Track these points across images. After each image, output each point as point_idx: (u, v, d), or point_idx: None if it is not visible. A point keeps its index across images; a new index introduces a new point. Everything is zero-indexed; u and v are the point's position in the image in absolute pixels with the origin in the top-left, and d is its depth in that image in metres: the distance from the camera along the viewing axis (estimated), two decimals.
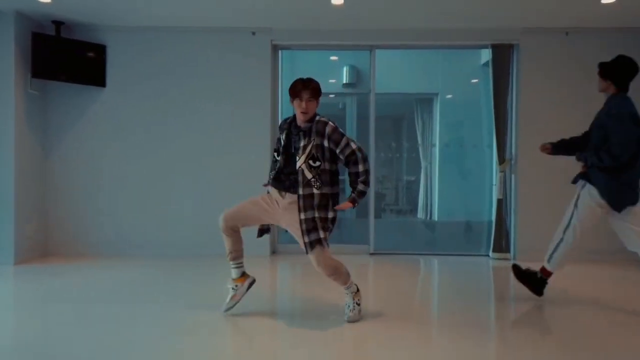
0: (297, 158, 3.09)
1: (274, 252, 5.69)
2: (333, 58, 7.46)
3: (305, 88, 3.09)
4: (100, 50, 5.40)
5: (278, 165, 3.21)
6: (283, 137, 3.22)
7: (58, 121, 5.48)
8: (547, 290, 3.87)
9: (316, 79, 7.75)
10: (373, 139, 5.79)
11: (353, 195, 3.11)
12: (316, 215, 3.08)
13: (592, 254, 5.36)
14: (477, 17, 5.09)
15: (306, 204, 3.07)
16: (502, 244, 5.49)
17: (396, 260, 5.38)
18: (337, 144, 3.07)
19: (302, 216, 3.07)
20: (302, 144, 3.10)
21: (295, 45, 5.68)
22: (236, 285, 3.35)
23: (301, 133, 3.12)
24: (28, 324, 3.27)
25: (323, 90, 9.22)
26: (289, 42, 5.57)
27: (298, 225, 3.10)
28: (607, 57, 5.28)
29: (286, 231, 3.33)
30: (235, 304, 3.34)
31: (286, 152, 3.19)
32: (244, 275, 3.38)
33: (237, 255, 3.32)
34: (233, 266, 3.34)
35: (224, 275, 3.48)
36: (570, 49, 5.40)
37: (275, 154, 3.28)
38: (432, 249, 6.01)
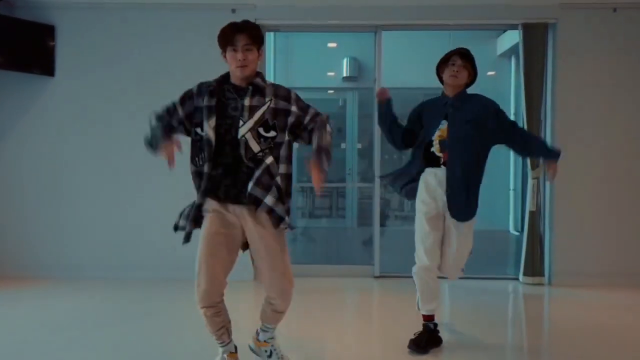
0: (241, 123, 2.35)
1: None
2: (331, 45, 7.23)
3: (240, 31, 2.38)
4: (47, 32, 4.83)
5: (205, 153, 2.39)
6: (207, 101, 2.41)
7: None
8: (596, 330, 3.36)
9: (314, 71, 7.40)
10: (378, 139, 5.15)
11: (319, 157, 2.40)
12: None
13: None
14: None
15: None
16: (535, 266, 4.79)
17: (405, 286, 4.60)
18: (305, 110, 2.46)
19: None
20: (246, 103, 2.36)
21: (284, 25, 5.10)
22: None
23: (245, 91, 2.40)
24: None
25: (321, 84, 8.86)
26: (276, 21, 5.00)
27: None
28: None
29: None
30: None
31: (219, 125, 2.38)
32: (236, 351, 2.65)
33: (229, 327, 2.56)
34: (225, 345, 2.57)
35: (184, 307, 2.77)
36: (618, 28, 4.82)
37: (198, 129, 2.43)
38: None
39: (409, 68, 7.36)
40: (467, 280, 4.80)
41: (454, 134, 2.92)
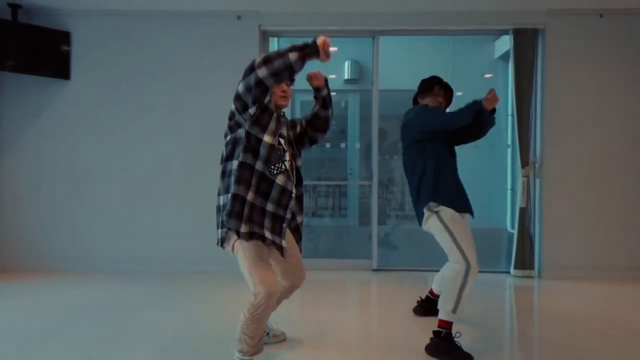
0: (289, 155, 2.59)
1: None
2: (332, 49, 6.97)
3: None
4: (63, 38, 4.95)
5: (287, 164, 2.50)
6: (273, 122, 2.47)
7: (14, 118, 5.04)
8: (585, 321, 3.40)
9: None
10: (376, 138, 5.28)
11: None
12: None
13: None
14: None
15: (301, 205, 2.68)
16: (525, 260, 4.91)
17: (402, 279, 4.84)
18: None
19: (299, 219, 2.70)
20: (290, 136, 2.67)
21: (286, 31, 5.18)
22: None
23: (288, 123, 2.71)
24: None
25: None
26: (279, 27, 5.08)
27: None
28: None
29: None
30: None
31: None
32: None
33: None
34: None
35: (201, 298, 2.88)
36: (605, 33, 4.90)
37: (282, 140, 2.52)
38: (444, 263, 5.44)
39: (408, 70, 7.48)
40: None
41: None
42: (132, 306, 3.82)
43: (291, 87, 2.60)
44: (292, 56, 2.26)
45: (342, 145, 7.39)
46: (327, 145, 6.45)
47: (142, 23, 5.00)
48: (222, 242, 2.42)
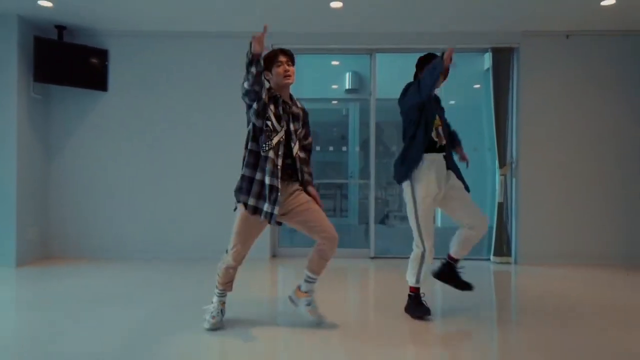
0: (292, 144, 2.87)
1: (274, 255, 5.65)
2: (335, 63, 7.39)
3: (283, 53, 2.85)
4: (102, 55, 5.41)
5: (274, 142, 2.78)
6: (272, 107, 2.80)
7: (61, 125, 5.48)
8: (552, 297, 3.85)
9: (318, 84, 7.49)
10: (373, 144, 5.72)
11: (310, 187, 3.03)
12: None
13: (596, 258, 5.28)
14: (477, 21, 5.06)
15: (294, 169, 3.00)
16: (503, 248, 5.43)
17: (397, 265, 5.26)
18: (307, 125, 3.03)
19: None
20: (293, 127, 2.88)
21: (294, 49, 5.44)
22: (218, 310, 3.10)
23: (291, 115, 2.87)
24: (28, 325, 3.24)
25: (326, 96, 8.89)
26: (288, 45, 5.22)
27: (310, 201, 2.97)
28: (609, 61, 5.36)
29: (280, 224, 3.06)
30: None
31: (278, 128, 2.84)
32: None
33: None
34: (225, 295, 3.08)
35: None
36: (571, 52, 5.36)
37: (269, 122, 2.77)
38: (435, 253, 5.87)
39: (402, 81, 7.66)
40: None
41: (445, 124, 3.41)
42: (162, 285, 4.33)
43: (293, 67, 2.84)
44: (246, 68, 2.61)
45: (344, 148, 7.68)
46: (330, 148, 6.69)
47: (171, 43, 5.44)
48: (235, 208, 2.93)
